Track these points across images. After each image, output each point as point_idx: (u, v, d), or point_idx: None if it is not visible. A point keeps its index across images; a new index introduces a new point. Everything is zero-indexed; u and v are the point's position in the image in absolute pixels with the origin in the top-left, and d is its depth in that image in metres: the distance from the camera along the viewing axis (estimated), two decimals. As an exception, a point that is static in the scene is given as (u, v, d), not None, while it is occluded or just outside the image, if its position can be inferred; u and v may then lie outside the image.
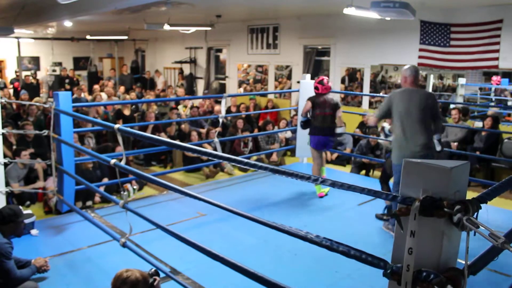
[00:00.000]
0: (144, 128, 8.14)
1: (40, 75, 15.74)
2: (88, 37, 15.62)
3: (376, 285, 3.59)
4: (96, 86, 12.53)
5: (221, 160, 3.29)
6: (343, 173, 7.40)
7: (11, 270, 3.24)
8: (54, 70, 16.13)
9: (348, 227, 4.57)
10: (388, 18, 7.03)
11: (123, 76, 15.24)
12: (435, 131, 4.16)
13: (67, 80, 14.42)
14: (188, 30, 12.45)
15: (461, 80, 8.86)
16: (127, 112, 9.42)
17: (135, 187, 6.61)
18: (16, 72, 15.17)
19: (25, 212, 4.36)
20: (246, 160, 2.52)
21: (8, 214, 3.46)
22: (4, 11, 10.10)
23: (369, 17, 7.04)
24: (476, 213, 1.58)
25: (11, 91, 13.02)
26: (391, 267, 1.69)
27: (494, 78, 8.90)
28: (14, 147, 7.12)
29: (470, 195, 1.66)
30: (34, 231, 4.44)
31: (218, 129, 6.48)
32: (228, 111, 9.86)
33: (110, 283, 3.08)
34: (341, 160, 8.52)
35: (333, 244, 1.99)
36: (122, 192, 3.74)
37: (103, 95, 11.33)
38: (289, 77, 11.56)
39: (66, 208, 4.84)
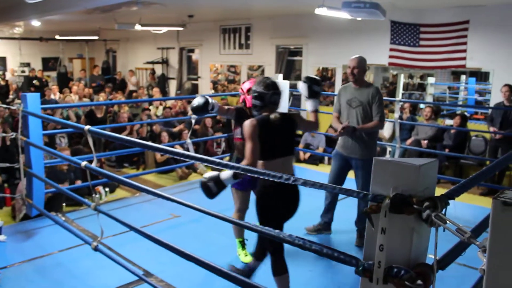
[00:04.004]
0: (117, 130, 8.02)
1: (8, 76, 15.34)
2: (57, 37, 15.29)
3: (349, 282, 3.64)
4: (66, 89, 12.33)
5: (194, 161, 3.27)
6: (316, 172, 7.45)
7: None
8: (22, 71, 15.69)
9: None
10: (359, 19, 7.13)
11: (94, 77, 15.00)
12: None
13: (35, 81, 14.09)
14: (160, 30, 12.33)
15: (431, 80, 9.05)
16: (99, 114, 9.26)
17: (107, 189, 6.51)
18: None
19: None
20: (218, 161, 2.51)
21: None
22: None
23: (340, 17, 7.12)
24: (444, 209, 1.62)
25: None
26: (362, 264, 1.71)
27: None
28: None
29: (440, 191, 1.70)
30: (1, 237, 4.32)
31: (196, 126, 6.36)
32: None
33: (81, 288, 3.05)
34: (314, 160, 8.59)
35: (305, 243, 2.00)
36: (94, 195, 3.69)
37: (74, 96, 11.14)
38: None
39: (36, 213, 4.73)
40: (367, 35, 8.77)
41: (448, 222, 1.49)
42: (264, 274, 3.61)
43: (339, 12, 6.29)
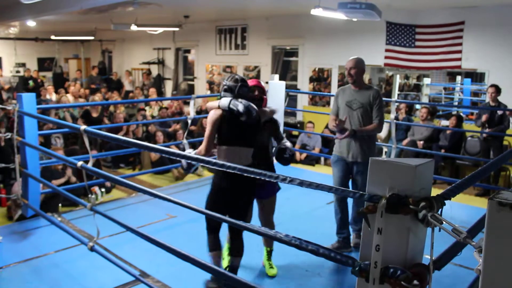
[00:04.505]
0: (113, 130, 8.01)
1: (3, 76, 15.28)
2: (53, 37, 15.24)
3: (345, 282, 3.65)
4: (61, 89, 12.31)
5: (189, 161, 3.27)
6: (312, 172, 7.47)
7: None
8: (17, 71, 15.65)
9: (317, 226, 4.62)
10: (355, 19, 7.14)
11: (92, 78, 14.99)
12: None
13: (30, 81, 14.04)
14: (155, 31, 12.32)
15: (426, 80, 9.08)
16: (95, 114, 9.24)
17: (103, 190, 6.50)
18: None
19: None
20: (214, 161, 2.52)
21: None
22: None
23: (336, 18, 7.13)
24: (440, 210, 1.62)
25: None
26: (359, 265, 1.71)
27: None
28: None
29: (436, 192, 1.71)
30: (-3, 237, 4.30)
31: (192, 127, 6.37)
32: (200, 112, 9.79)
33: (77, 288, 3.04)
34: (310, 160, 8.60)
35: (302, 243, 2.00)
36: (89, 195, 3.68)
37: (69, 97, 11.11)
38: (257, 78, 11.59)
39: (32, 213, 4.71)
40: (363, 35, 8.80)
41: (444, 222, 1.50)
42: (250, 273, 3.62)
43: (335, 13, 6.29)
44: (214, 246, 3.31)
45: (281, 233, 2.16)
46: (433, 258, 1.60)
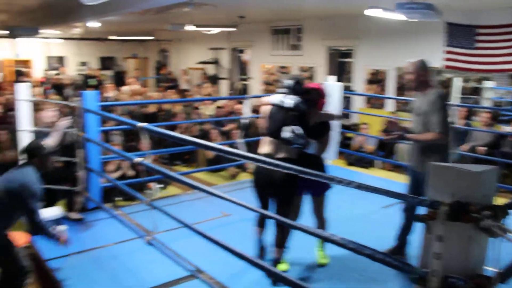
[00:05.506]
0: (169, 128, 8.21)
1: (67, 74, 16.07)
2: (113, 37, 15.86)
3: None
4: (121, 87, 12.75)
5: (245, 161, 3.32)
6: (367, 175, 7.33)
7: (36, 211, 3.28)
8: (80, 70, 16.46)
9: (373, 230, 4.53)
10: (412, 20, 6.95)
11: (163, 77, 15.52)
12: None
13: (92, 79, 14.66)
14: (211, 31, 12.52)
15: (489, 83, 8.70)
16: (151, 109, 9.55)
17: (159, 186, 6.66)
18: (45, 71, 15.55)
19: (53, 208, 4.47)
20: (269, 160, 2.53)
21: (32, 148, 3.50)
22: (32, 12, 10.33)
23: (391, 19, 6.97)
24: (503, 220, 1.57)
25: (41, 89, 13.27)
26: (418, 272, 1.68)
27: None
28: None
29: (498, 201, 1.65)
30: (61, 227, 4.53)
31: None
32: (255, 111, 9.85)
33: (135, 281, 3.14)
34: (364, 163, 8.43)
35: (358, 247, 1.99)
36: (147, 191, 3.80)
37: (125, 89, 11.45)
38: (310, 78, 11.52)
39: (92, 205, 4.93)
40: (419, 36, 8.56)
41: (509, 233, 1.45)
42: (302, 275, 3.61)
43: (393, 14, 6.17)
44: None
45: (337, 236, 2.15)
46: (497, 270, 1.54)
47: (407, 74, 3.85)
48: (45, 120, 4.79)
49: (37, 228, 3.37)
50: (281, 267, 3.62)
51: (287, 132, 3.36)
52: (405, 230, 3.97)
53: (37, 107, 5.24)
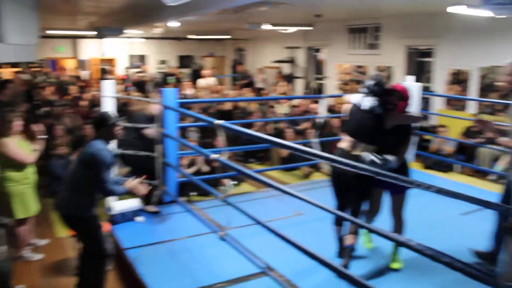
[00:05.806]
0: (244, 126, 8.31)
1: (148, 72, 16.80)
2: (191, 36, 16.35)
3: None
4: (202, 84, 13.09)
5: (320, 160, 3.28)
6: (445, 179, 6.98)
7: (105, 179, 3.40)
8: (160, 68, 17.18)
9: (451, 237, 4.33)
10: (503, 16, 6.51)
11: (240, 74, 15.82)
12: None
13: (171, 77, 15.19)
14: (287, 30, 12.52)
15: None
16: (227, 106, 9.76)
17: (233, 182, 6.76)
18: (126, 69, 16.38)
19: (131, 200, 4.69)
20: (346, 161, 2.47)
21: (99, 119, 3.66)
22: (118, 13, 10.89)
23: (474, 16, 6.56)
24: None
25: (122, 87, 13.97)
26: (502, 285, 1.56)
27: None
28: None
29: None
30: (139, 218, 4.75)
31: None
32: (330, 111, 9.75)
33: (206, 274, 3.19)
34: (442, 167, 8.03)
35: (437, 254, 1.90)
36: (221, 187, 3.86)
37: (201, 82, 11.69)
38: (388, 78, 11.17)
39: (168, 199, 5.11)
40: (507, 34, 8.00)
41: None
42: (375, 280, 3.51)
43: (478, 10, 5.81)
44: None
45: (414, 241, 2.06)
46: None
47: (504, 75, 3.59)
48: (153, 111, 4.98)
49: (106, 194, 3.69)
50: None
51: (366, 159, 3.36)
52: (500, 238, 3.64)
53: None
